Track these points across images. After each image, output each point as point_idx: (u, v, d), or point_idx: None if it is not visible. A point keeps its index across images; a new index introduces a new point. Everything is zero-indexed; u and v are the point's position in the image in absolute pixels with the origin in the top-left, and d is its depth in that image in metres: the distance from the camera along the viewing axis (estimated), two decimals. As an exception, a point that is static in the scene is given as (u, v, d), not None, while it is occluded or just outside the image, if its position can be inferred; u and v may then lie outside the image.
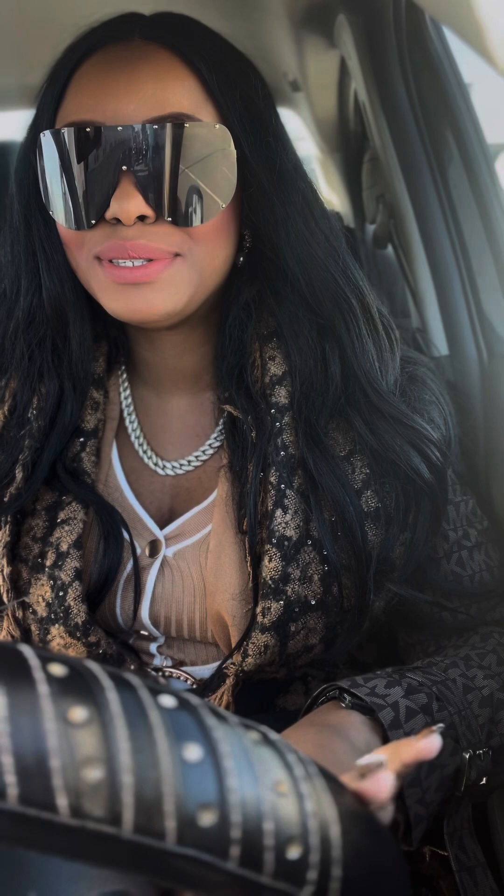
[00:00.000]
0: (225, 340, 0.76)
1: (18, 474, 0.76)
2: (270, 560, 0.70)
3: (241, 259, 0.74)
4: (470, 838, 0.70)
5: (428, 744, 0.44)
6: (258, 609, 0.70)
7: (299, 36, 1.28)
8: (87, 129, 0.66)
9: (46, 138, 0.69)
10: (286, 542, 0.70)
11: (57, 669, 0.31)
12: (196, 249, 0.69)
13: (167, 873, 0.32)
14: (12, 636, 0.76)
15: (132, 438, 0.82)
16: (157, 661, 0.79)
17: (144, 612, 0.76)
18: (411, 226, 1.04)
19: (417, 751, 0.45)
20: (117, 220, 0.67)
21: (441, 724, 0.48)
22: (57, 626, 0.73)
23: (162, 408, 0.83)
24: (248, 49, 0.76)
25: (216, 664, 0.77)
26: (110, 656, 0.75)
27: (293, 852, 0.33)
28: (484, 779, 0.66)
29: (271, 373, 0.75)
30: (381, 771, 0.40)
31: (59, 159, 0.68)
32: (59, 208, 0.70)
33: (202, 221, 0.68)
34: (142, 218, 0.67)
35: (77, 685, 0.31)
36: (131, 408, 0.83)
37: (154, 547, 0.77)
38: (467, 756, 0.64)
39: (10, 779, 0.28)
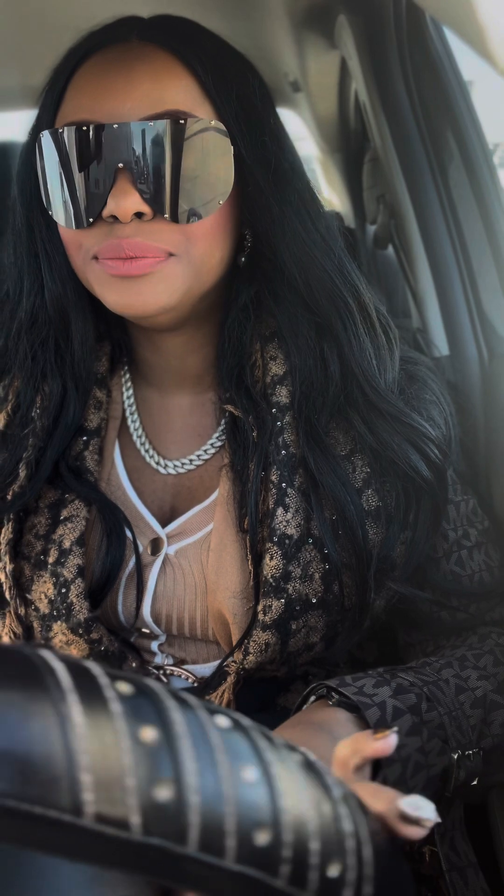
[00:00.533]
0: (224, 342, 0.76)
1: (22, 472, 0.76)
2: (272, 558, 0.70)
3: (243, 259, 0.75)
4: (462, 839, 0.70)
5: (384, 743, 0.48)
6: (259, 607, 0.70)
7: (300, 36, 1.28)
8: (84, 128, 0.67)
9: (45, 139, 0.70)
10: (287, 541, 0.71)
11: (124, 688, 0.31)
12: (192, 248, 0.69)
13: (213, 889, 0.32)
14: (14, 633, 0.76)
15: (134, 437, 0.83)
16: (159, 660, 0.80)
17: (146, 610, 0.77)
18: (412, 226, 1.04)
19: (374, 749, 0.48)
20: (114, 219, 0.67)
21: (396, 728, 0.50)
22: (59, 622, 0.74)
23: (164, 407, 0.83)
24: (248, 50, 0.76)
25: (217, 662, 0.77)
26: (112, 653, 0.76)
27: (333, 871, 0.34)
28: (475, 780, 0.66)
29: (272, 372, 0.76)
30: (425, 823, 0.41)
31: (58, 159, 0.69)
32: (57, 208, 0.71)
33: (199, 218, 0.68)
34: (139, 216, 0.67)
35: (143, 704, 0.31)
36: (133, 407, 0.84)
37: (156, 545, 0.78)
38: (456, 756, 0.64)
39: (89, 796, 0.29)
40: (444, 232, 1.02)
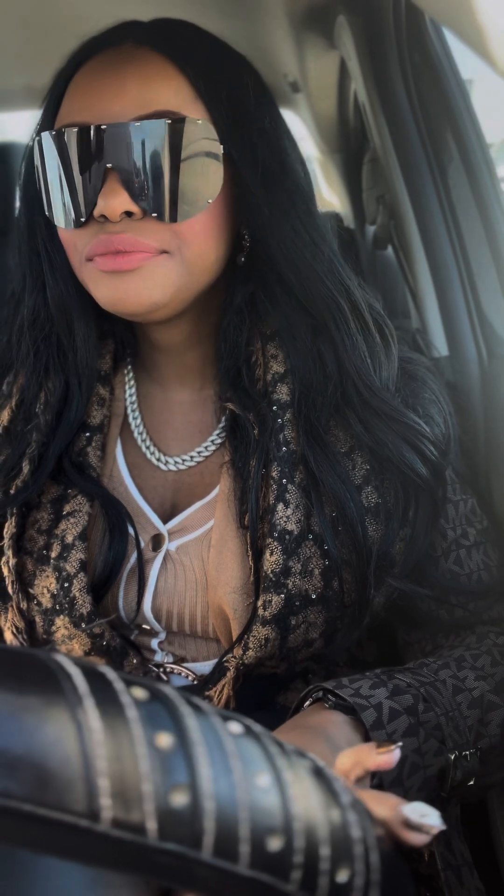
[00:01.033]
0: (220, 343, 0.77)
1: (25, 467, 0.77)
2: (272, 553, 0.71)
3: (243, 259, 0.75)
4: (458, 838, 0.71)
5: (387, 758, 0.48)
6: (259, 602, 0.71)
7: (299, 37, 1.28)
8: (75, 129, 0.68)
9: (43, 141, 0.72)
10: (287, 536, 0.71)
11: (139, 693, 0.31)
12: (185, 248, 0.70)
13: (224, 894, 0.32)
14: (16, 627, 0.77)
15: (136, 434, 0.84)
16: (159, 658, 0.80)
17: (147, 606, 0.77)
18: (411, 227, 1.04)
19: (376, 762, 0.48)
20: (105, 218, 0.68)
21: (400, 743, 0.50)
22: (62, 617, 0.74)
23: (165, 404, 0.84)
24: (247, 50, 0.77)
25: (217, 660, 0.78)
26: (114, 648, 0.76)
27: (342, 876, 0.34)
28: (472, 780, 0.66)
29: (273, 370, 0.76)
30: (430, 830, 0.42)
31: (54, 160, 0.71)
32: (54, 209, 0.72)
33: (187, 217, 0.69)
34: (129, 215, 0.68)
35: (159, 710, 0.31)
36: (136, 404, 0.85)
37: (157, 541, 0.78)
38: (452, 757, 0.64)
39: (106, 802, 0.29)
40: (443, 232, 1.02)
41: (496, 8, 0.41)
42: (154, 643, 0.80)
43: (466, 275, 1.02)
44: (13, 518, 0.77)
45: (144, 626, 0.79)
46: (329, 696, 0.64)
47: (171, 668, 0.79)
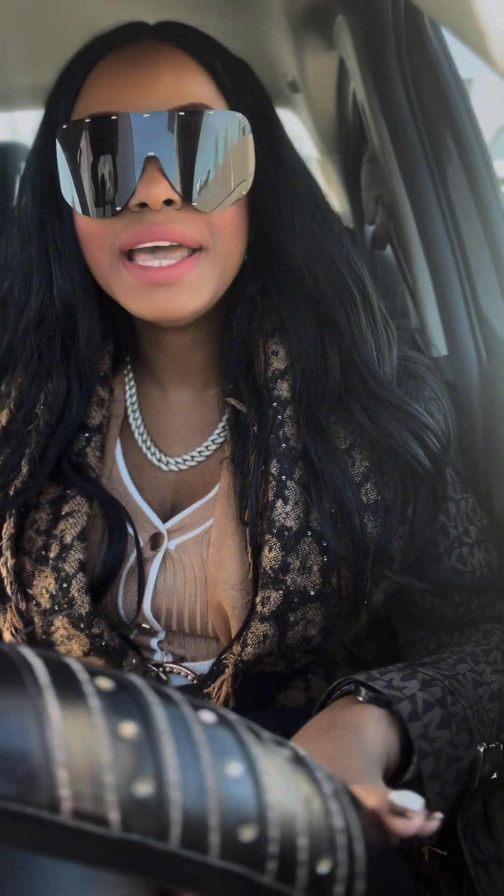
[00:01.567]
0: (233, 333, 0.78)
1: (24, 468, 0.77)
2: (270, 550, 0.71)
3: (246, 255, 0.76)
4: (482, 833, 0.71)
5: (429, 825, 0.43)
6: (258, 598, 0.71)
7: (298, 37, 1.28)
8: (113, 118, 0.68)
9: (67, 132, 0.71)
10: (286, 533, 0.71)
11: (104, 683, 0.31)
12: (218, 242, 0.71)
13: (200, 886, 0.32)
14: (15, 628, 0.77)
15: (136, 435, 0.83)
16: (158, 657, 0.80)
17: (146, 605, 0.77)
18: (410, 227, 1.04)
19: (417, 827, 0.42)
20: (141, 207, 0.68)
21: (440, 815, 0.45)
22: (61, 617, 0.74)
23: (166, 404, 0.84)
24: (246, 50, 0.78)
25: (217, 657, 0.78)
26: (113, 649, 0.76)
27: (323, 867, 0.34)
28: (495, 773, 0.66)
29: (273, 367, 0.77)
30: (414, 816, 0.41)
31: (82, 150, 0.70)
32: (82, 200, 0.71)
33: (224, 207, 0.70)
34: (168, 203, 0.68)
35: (124, 700, 0.31)
36: (136, 405, 0.85)
37: (156, 540, 0.78)
38: (482, 749, 0.64)
39: (65, 792, 0.28)
40: (442, 232, 1.02)
41: (496, 8, 0.41)
42: (153, 643, 0.80)
43: (465, 275, 1.02)
44: (12, 519, 0.77)
45: (144, 625, 0.79)
46: (361, 688, 0.64)
47: (171, 667, 0.79)
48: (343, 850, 0.34)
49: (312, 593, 0.72)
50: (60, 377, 0.79)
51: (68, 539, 0.75)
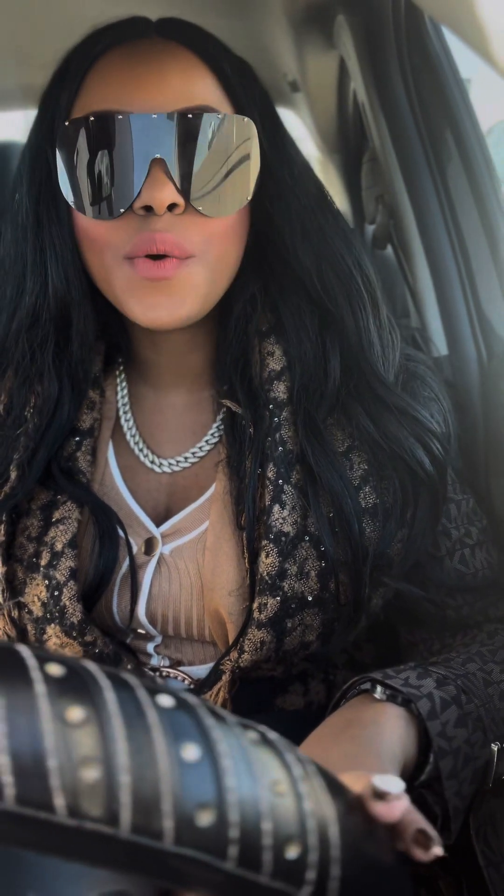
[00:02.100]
0: (229, 333, 0.77)
1: (13, 473, 0.75)
2: (267, 556, 0.70)
3: (244, 257, 0.75)
4: (493, 834, 0.71)
5: (387, 809, 0.40)
6: (255, 605, 0.70)
7: (298, 36, 1.28)
8: (119, 117, 0.66)
9: (68, 130, 0.69)
10: (283, 538, 0.70)
11: (54, 669, 0.31)
12: (209, 249, 0.69)
13: (165, 873, 0.31)
14: (8, 636, 0.76)
15: (128, 437, 0.82)
16: (155, 661, 0.79)
17: (141, 611, 0.76)
18: (410, 226, 1.04)
19: (399, 813, 0.40)
20: (146, 211, 0.67)
21: (439, 850, 0.43)
22: (53, 625, 0.73)
23: (159, 406, 0.83)
24: (247, 49, 0.77)
25: (214, 663, 0.77)
26: (107, 656, 0.75)
27: (292, 852, 0.33)
28: None
29: (269, 368, 0.76)
30: (395, 799, 0.39)
31: (84, 150, 0.68)
32: (84, 200, 0.69)
33: (229, 213, 0.69)
34: (171, 208, 0.67)
35: (74, 685, 0.31)
36: (127, 406, 0.83)
37: (150, 545, 0.77)
38: (496, 748, 0.64)
39: (8, 779, 0.28)
40: (442, 232, 1.02)
41: (496, 7, 0.41)
42: (150, 647, 0.79)
43: (466, 274, 1.01)
44: (2, 525, 0.75)
45: (140, 630, 0.78)
46: (378, 686, 0.64)
47: (168, 672, 0.78)
48: (313, 834, 0.33)
49: (310, 599, 0.71)
50: (52, 380, 0.77)
51: (59, 546, 0.74)
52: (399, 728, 0.61)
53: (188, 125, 0.66)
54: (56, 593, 0.73)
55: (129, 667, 0.76)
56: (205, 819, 0.31)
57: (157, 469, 0.80)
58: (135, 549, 0.77)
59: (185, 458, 0.80)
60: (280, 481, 0.72)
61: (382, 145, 1.09)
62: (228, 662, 0.72)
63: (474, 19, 0.43)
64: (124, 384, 0.84)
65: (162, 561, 0.76)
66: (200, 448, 0.80)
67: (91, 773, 0.29)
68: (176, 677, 0.78)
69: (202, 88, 0.69)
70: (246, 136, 0.70)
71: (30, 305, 0.76)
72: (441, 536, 0.78)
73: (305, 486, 0.72)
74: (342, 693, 0.66)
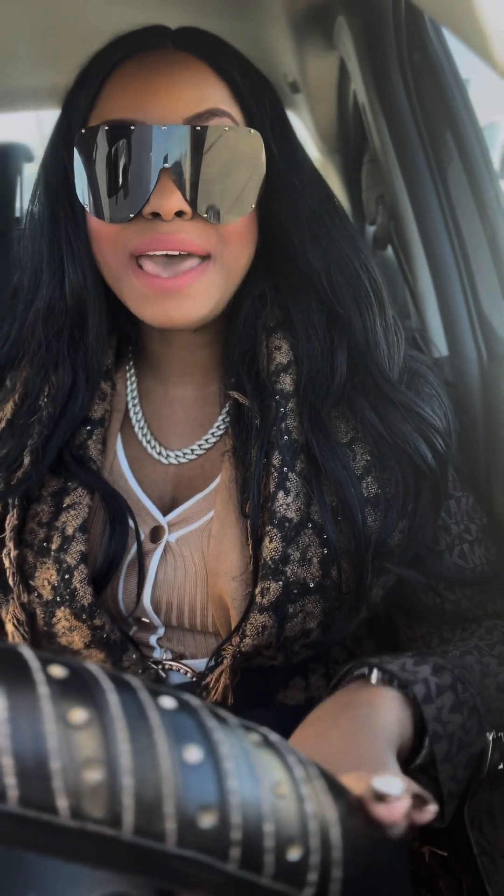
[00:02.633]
0: (238, 329, 0.79)
1: (26, 459, 0.77)
2: (271, 541, 0.71)
3: (254, 258, 0.77)
4: (489, 823, 0.71)
5: (420, 816, 0.42)
6: (257, 589, 0.71)
7: (299, 37, 1.28)
8: (132, 127, 0.69)
9: (84, 136, 0.72)
10: (287, 524, 0.72)
11: (57, 671, 0.31)
12: (225, 250, 0.72)
13: (167, 875, 0.31)
14: (18, 620, 0.77)
15: (136, 429, 0.84)
16: (157, 654, 0.80)
17: (146, 598, 0.77)
18: (411, 227, 1.04)
19: (399, 814, 0.40)
20: (154, 216, 0.70)
21: (434, 807, 0.44)
22: (63, 608, 0.74)
23: (167, 399, 0.85)
24: (247, 50, 0.78)
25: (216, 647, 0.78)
26: (114, 642, 0.76)
27: (293, 854, 0.33)
28: (502, 764, 0.66)
29: (276, 361, 0.78)
30: (396, 800, 0.40)
31: (98, 156, 0.71)
32: (96, 204, 0.73)
33: (235, 219, 0.72)
34: (179, 214, 0.70)
35: (77, 687, 0.31)
36: (136, 399, 0.85)
37: (156, 533, 0.79)
38: (491, 737, 0.65)
39: (11, 780, 0.28)
40: (443, 233, 1.02)
41: (496, 8, 0.41)
42: (153, 639, 0.80)
43: (466, 275, 1.01)
44: (14, 510, 0.77)
45: (143, 619, 0.79)
46: (374, 670, 0.65)
47: (170, 664, 0.79)
48: (315, 836, 0.33)
49: (312, 585, 0.72)
50: (67, 369, 0.80)
51: (70, 531, 0.76)
52: (395, 710, 0.62)
53: (197, 136, 0.69)
54: (67, 576, 0.74)
55: (133, 655, 0.77)
56: (207, 821, 0.31)
57: (165, 460, 0.82)
58: (142, 536, 0.78)
59: (192, 449, 0.82)
60: (285, 469, 0.73)
61: (383, 146, 1.09)
62: (230, 647, 0.73)
63: (474, 19, 0.43)
64: (134, 378, 0.86)
65: (168, 549, 0.78)
66: (207, 440, 0.82)
67: (93, 775, 0.29)
68: (178, 670, 0.79)
69: (213, 99, 0.72)
70: (253, 146, 0.73)
71: (46, 296, 0.79)
72: (441, 531, 0.79)
73: (309, 474, 0.74)
74: (339, 678, 0.67)
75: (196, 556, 0.76)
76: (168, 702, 0.32)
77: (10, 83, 1.53)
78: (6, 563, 0.77)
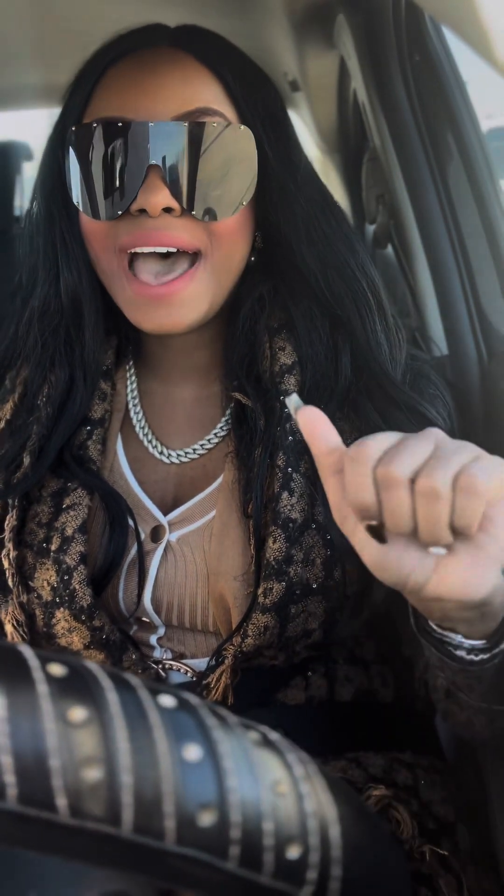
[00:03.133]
0: (237, 331, 0.79)
1: (26, 460, 0.78)
2: (275, 541, 0.71)
3: (253, 259, 0.78)
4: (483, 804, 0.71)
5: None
6: (260, 590, 0.71)
7: (299, 36, 1.28)
8: (119, 124, 0.70)
9: (76, 134, 0.73)
10: (291, 525, 0.72)
11: (56, 670, 0.31)
12: (216, 249, 0.72)
13: (166, 873, 0.31)
14: (17, 620, 0.77)
15: (137, 429, 0.84)
16: (158, 654, 0.80)
17: (147, 598, 0.77)
18: (411, 226, 1.04)
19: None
20: (142, 213, 0.70)
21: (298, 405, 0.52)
22: (62, 609, 0.74)
23: (168, 399, 0.85)
24: (247, 49, 0.78)
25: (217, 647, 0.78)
26: (113, 643, 0.76)
27: (293, 852, 0.33)
28: None
29: (281, 362, 0.78)
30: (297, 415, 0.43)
31: (88, 154, 0.72)
32: (86, 201, 0.73)
33: (223, 217, 0.72)
34: (167, 210, 0.70)
35: (76, 685, 0.31)
36: (137, 399, 0.85)
37: (157, 533, 0.79)
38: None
39: (10, 779, 0.28)
40: (443, 232, 1.02)
41: (496, 7, 0.41)
42: (153, 639, 0.80)
43: (466, 274, 1.02)
44: (14, 511, 0.77)
45: (144, 619, 0.79)
46: None
47: (170, 664, 0.79)
48: (315, 835, 0.34)
49: (314, 586, 0.72)
50: (64, 368, 0.80)
51: (69, 531, 0.76)
52: None
53: (184, 133, 0.69)
54: (66, 577, 0.74)
55: (133, 655, 0.77)
56: (206, 819, 0.31)
57: (166, 460, 0.82)
58: (142, 536, 0.78)
59: (194, 449, 0.82)
60: (289, 469, 0.73)
61: (383, 145, 1.09)
62: (231, 647, 0.73)
63: (474, 19, 0.43)
64: (134, 378, 0.86)
65: (168, 548, 0.78)
66: (209, 440, 0.82)
67: (93, 774, 0.29)
68: (178, 670, 0.79)
69: (204, 97, 0.72)
70: (244, 144, 0.73)
71: (41, 294, 0.80)
72: None
73: (313, 475, 0.73)
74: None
75: (197, 555, 0.76)
76: (167, 700, 0.33)
77: (9, 82, 1.53)
78: (5, 563, 0.77)
